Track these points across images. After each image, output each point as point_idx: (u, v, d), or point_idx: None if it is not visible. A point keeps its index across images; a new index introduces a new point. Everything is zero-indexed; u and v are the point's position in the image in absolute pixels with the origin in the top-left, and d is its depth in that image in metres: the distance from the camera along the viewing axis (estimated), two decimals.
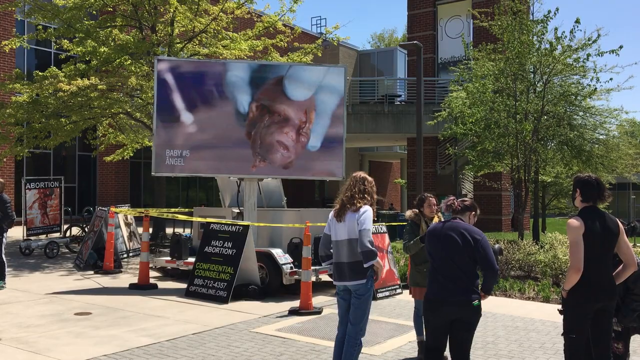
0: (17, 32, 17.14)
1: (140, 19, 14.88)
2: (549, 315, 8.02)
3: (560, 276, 9.98)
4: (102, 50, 13.95)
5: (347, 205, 5.02)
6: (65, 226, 14.95)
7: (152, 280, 10.05)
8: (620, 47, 12.60)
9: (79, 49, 14.33)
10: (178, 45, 14.83)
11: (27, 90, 14.36)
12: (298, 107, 10.15)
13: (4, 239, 9.61)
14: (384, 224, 10.60)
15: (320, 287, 9.83)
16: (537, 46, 13.12)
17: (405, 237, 6.22)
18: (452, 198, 4.86)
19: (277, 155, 10.10)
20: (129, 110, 15.32)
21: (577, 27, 12.66)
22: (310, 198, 30.68)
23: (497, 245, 5.18)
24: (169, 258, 10.77)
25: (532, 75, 13.58)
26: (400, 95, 25.83)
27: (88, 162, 22.85)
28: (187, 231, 13.71)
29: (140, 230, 11.65)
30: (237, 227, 9.26)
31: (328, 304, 8.60)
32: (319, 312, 8.05)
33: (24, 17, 16.26)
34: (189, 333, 6.91)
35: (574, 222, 4.41)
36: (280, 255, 9.37)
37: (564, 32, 13.01)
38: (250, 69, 10.23)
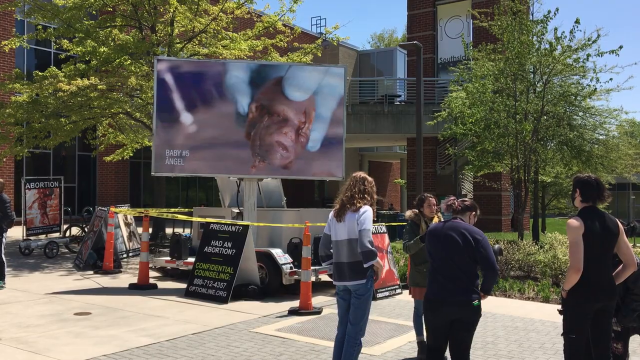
0: (16, 32, 17.14)
1: (140, 19, 14.88)
2: (548, 316, 8.02)
3: (560, 276, 9.98)
4: (102, 50, 13.96)
5: (347, 205, 5.02)
6: (65, 226, 14.95)
7: (151, 280, 10.05)
8: (620, 47, 12.61)
9: (78, 49, 14.33)
10: (178, 45, 14.83)
11: (27, 90, 14.36)
12: (297, 108, 10.15)
13: (3, 239, 9.61)
14: (383, 224, 10.60)
15: (319, 287, 9.83)
16: (536, 46, 13.13)
17: (405, 237, 6.22)
18: (452, 198, 4.86)
19: (276, 156, 10.10)
20: (128, 110, 15.32)
21: (577, 27, 12.67)
22: (310, 198, 30.69)
23: (496, 246, 5.19)
24: (168, 258, 10.77)
25: (532, 76, 13.59)
26: (400, 96, 25.83)
27: (88, 162, 22.85)
28: (187, 231, 13.70)
29: (140, 230, 11.64)
30: (237, 227, 9.26)
31: (328, 304, 8.60)
32: (319, 312, 8.05)
33: (24, 17, 16.25)
34: (188, 333, 6.91)
35: (573, 222, 4.41)
36: (280, 255, 9.37)
37: (563, 32, 13.03)
38: (249, 69, 10.23)
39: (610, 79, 29.93)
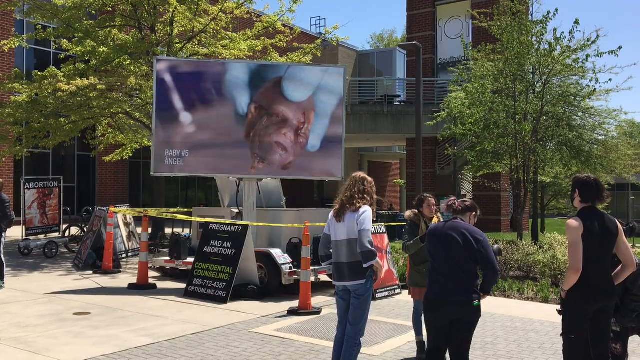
0: (16, 32, 17.13)
1: (140, 19, 14.88)
2: (547, 316, 8.02)
3: (559, 276, 9.99)
4: (102, 50, 13.95)
5: (346, 205, 5.02)
6: (64, 226, 14.94)
7: (151, 280, 10.05)
8: (620, 47, 12.62)
9: (78, 49, 14.32)
10: (177, 45, 14.83)
11: (26, 90, 14.35)
12: (297, 108, 10.15)
13: (2, 239, 9.60)
14: (383, 224, 10.61)
15: (319, 287, 9.83)
16: (536, 47, 13.13)
17: (405, 237, 6.22)
18: (453, 198, 4.87)
19: (275, 157, 10.10)
20: (128, 110, 15.31)
21: (576, 27, 12.68)
22: (309, 198, 30.68)
23: (496, 246, 5.18)
24: (168, 258, 10.76)
25: (532, 76, 13.60)
26: (399, 96, 25.84)
27: (87, 162, 22.84)
28: (186, 231, 13.70)
29: (139, 230, 11.64)
30: (236, 227, 9.26)
31: (327, 304, 8.60)
32: (318, 312, 8.05)
33: (23, 17, 16.24)
34: (188, 333, 6.91)
35: (573, 222, 4.41)
36: (280, 255, 9.37)
37: (563, 32, 13.04)
38: (249, 69, 10.23)
39: (610, 80, 29.98)
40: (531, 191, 14.31)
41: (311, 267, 8.53)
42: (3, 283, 9.60)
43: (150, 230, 12.92)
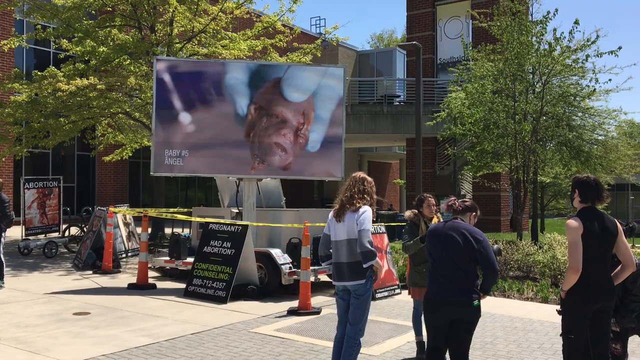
0: (16, 32, 17.13)
1: (140, 18, 14.88)
2: (547, 316, 8.03)
3: (559, 277, 9.99)
4: (101, 50, 13.95)
5: (346, 205, 5.02)
6: (64, 226, 14.93)
7: (150, 280, 10.05)
8: (619, 48, 12.62)
9: (78, 49, 14.32)
10: (177, 45, 14.83)
11: (26, 90, 14.35)
12: (296, 109, 10.15)
13: (2, 239, 9.60)
14: (382, 224, 10.61)
15: (319, 287, 9.83)
16: (536, 47, 13.13)
17: (405, 237, 6.22)
18: (453, 198, 4.87)
19: (275, 158, 10.09)
20: (128, 110, 15.31)
21: (576, 28, 12.68)
22: (309, 198, 30.68)
23: (495, 246, 5.18)
24: (167, 258, 10.76)
25: (531, 76, 13.60)
26: (399, 96, 25.84)
27: (87, 161, 22.84)
28: (186, 231, 13.70)
29: (138, 230, 11.64)
30: (236, 227, 9.26)
31: (327, 304, 8.60)
32: (318, 312, 8.05)
33: (23, 17, 16.24)
34: (187, 333, 6.91)
35: (572, 222, 4.41)
36: (279, 255, 9.37)
37: (562, 32, 13.03)
38: (248, 69, 10.23)
39: (610, 80, 29.91)
40: (531, 191, 14.32)
41: (311, 267, 8.53)
42: (3, 283, 9.60)
43: (149, 230, 12.92)
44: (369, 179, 5.16)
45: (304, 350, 6.30)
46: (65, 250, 14.06)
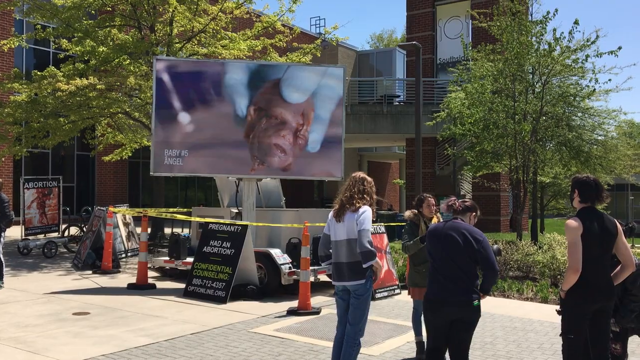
0: (15, 32, 17.12)
1: (139, 18, 14.87)
2: (547, 316, 8.03)
3: (559, 277, 9.99)
4: (101, 49, 13.94)
5: (346, 205, 5.02)
6: (64, 226, 14.93)
7: (150, 280, 10.05)
8: (619, 48, 12.62)
9: (77, 49, 14.32)
10: (177, 45, 14.83)
11: (26, 90, 14.34)
12: (296, 109, 10.14)
13: (1, 239, 9.60)
14: (382, 224, 10.61)
15: (318, 287, 9.83)
16: (535, 47, 13.13)
17: (405, 237, 6.22)
18: (453, 198, 4.87)
19: (274, 159, 10.09)
20: (127, 110, 15.31)
21: (576, 28, 12.68)
22: (309, 198, 30.68)
23: (495, 246, 5.18)
24: (167, 258, 10.76)
25: (531, 76, 13.60)
26: (399, 96, 25.84)
27: (86, 161, 22.83)
28: (186, 231, 13.70)
29: (138, 230, 11.64)
30: (236, 227, 9.25)
31: (326, 304, 8.60)
32: (318, 313, 8.05)
33: (23, 17, 16.22)
34: (187, 333, 6.91)
35: (572, 222, 4.41)
36: (279, 255, 9.36)
37: (562, 33, 13.02)
38: (248, 68, 10.23)
39: (609, 80, 29.94)
40: (530, 191, 14.32)
41: (310, 267, 8.53)
42: (2, 283, 9.59)
43: (149, 230, 12.92)
44: (369, 179, 5.15)
45: (304, 351, 6.30)
46: (65, 250, 14.05)
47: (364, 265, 4.87)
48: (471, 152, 14.71)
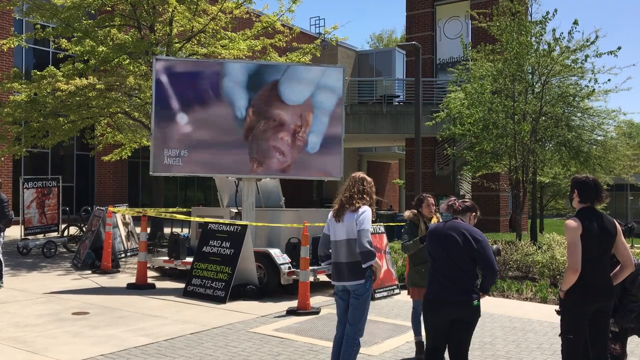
0: (15, 31, 17.11)
1: (139, 18, 14.87)
2: (546, 316, 8.03)
3: (558, 277, 9.99)
4: (101, 49, 13.94)
5: (346, 205, 5.02)
6: (63, 226, 14.93)
7: (149, 280, 10.05)
8: (619, 48, 12.63)
9: (77, 49, 14.32)
10: (176, 45, 14.83)
11: (25, 90, 14.34)
12: (295, 111, 10.14)
13: (1, 239, 9.59)
14: (382, 224, 10.61)
15: (318, 287, 9.83)
16: (535, 47, 13.14)
17: (404, 238, 6.22)
18: (453, 198, 4.87)
19: (273, 161, 10.08)
20: (127, 109, 15.31)
21: (575, 28, 12.69)
22: (308, 198, 30.69)
23: (495, 246, 5.18)
24: (166, 258, 10.76)
25: (531, 76, 13.60)
26: (398, 96, 25.84)
27: (86, 161, 22.83)
28: (185, 231, 13.70)
29: (138, 229, 11.64)
30: (235, 227, 9.25)
31: (326, 304, 8.60)
32: (317, 312, 8.05)
33: (22, 16, 16.23)
34: (186, 333, 6.91)
35: (571, 223, 4.42)
36: (278, 255, 9.37)
37: (562, 33, 13.01)
38: (248, 69, 10.23)
39: (609, 80, 29.96)
40: (530, 191, 14.32)
41: (310, 267, 8.53)
42: (2, 282, 9.58)
43: (149, 230, 12.92)
44: (369, 179, 5.16)
45: (303, 350, 6.30)
46: (64, 250, 14.05)
47: (364, 265, 4.87)
48: (471, 152, 14.70)
